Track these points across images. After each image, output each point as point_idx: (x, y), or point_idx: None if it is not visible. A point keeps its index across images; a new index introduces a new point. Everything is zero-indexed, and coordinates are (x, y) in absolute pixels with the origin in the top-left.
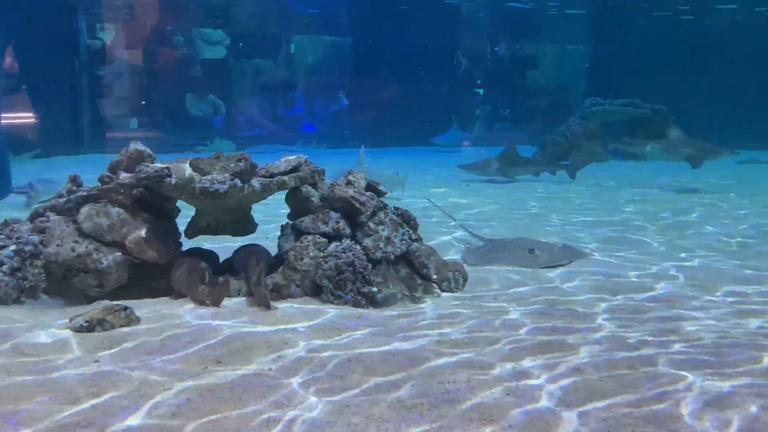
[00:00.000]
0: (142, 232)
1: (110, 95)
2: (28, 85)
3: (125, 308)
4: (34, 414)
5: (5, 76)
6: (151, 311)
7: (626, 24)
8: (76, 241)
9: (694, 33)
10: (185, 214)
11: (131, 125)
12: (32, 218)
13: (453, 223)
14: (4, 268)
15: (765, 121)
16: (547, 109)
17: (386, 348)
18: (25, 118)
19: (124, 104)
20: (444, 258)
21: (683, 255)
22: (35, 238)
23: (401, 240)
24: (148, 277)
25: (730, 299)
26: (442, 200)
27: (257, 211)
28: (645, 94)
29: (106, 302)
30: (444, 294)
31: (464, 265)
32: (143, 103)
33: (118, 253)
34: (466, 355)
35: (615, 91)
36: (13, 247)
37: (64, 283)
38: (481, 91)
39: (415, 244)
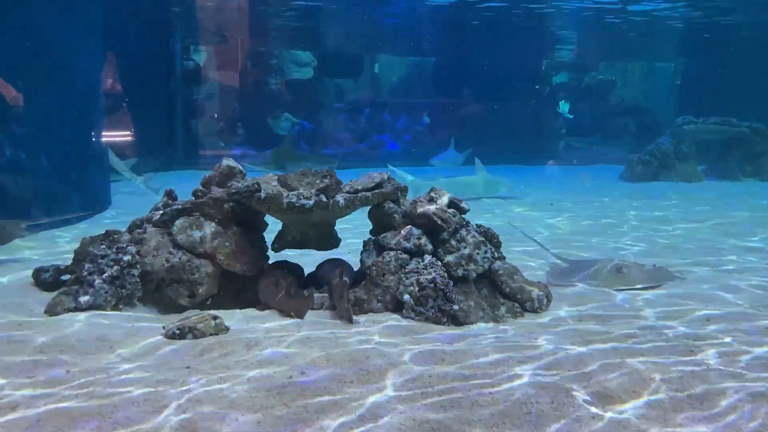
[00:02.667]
0: (232, 245)
1: (202, 114)
2: (128, 105)
3: (215, 317)
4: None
5: (106, 96)
6: (239, 321)
7: (722, 37)
8: (170, 253)
9: None
10: (272, 228)
11: (221, 144)
12: (131, 230)
13: (536, 245)
14: (105, 276)
15: None
16: (637, 128)
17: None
18: (124, 135)
19: (215, 123)
20: (528, 277)
21: None
22: (133, 248)
23: (483, 258)
24: (237, 288)
25: None
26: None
27: (341, 227)
28: (741, 111)
29: (197, 311)
30: (527, 314)
31: (549, 285)
32: (238, 125)
33: (209, 265)
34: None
35: (709, 108)
36: (113, 257)
37: (158, 293)
38: (566, 109)
39: (498, 263)
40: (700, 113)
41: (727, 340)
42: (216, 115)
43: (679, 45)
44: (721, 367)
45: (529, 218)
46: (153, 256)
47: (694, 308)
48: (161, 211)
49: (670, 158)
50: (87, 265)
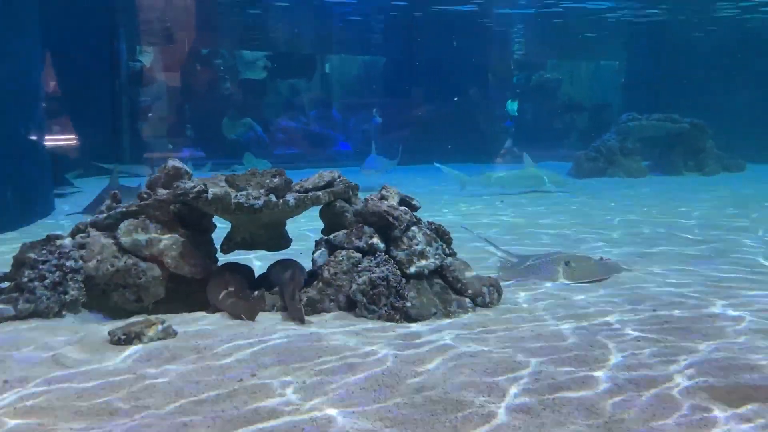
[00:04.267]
0: (180, 248)
1: (149, 116)
2: (70, 107)
3: (162, 322)
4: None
5: (48, 99)
6: (188, 325)
7: (663, 36)
8: (115, 257)
9: (728, 43)
10: (222, 229)
11: (169, 146)
12: (73, 234)
13: (485, 239)
14: (46, 282)
15: None
16: (585, 125)
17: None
18: (67, 139)
19: (162, 125)
20: (478, 272)
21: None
22: (76, 253)
23: (435, 254)
24: (186, 292)
25: None
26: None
27: (292, 226)
28: (683, 107)
29: (144, 316)
30: (478, 308)
31: (499, 280)
32: (187, 127)
33: (156, 268)
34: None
35: (653, 105)
36: (54, 262)
37: (103, 298)
38: (515, 107)
39: (450, 259)
40: (644, 110)
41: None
42: (164, 117)
43: (622, 43)
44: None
45: (479, 214)
46: (97, 260)
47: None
48: (105, 214)
49: (615, 154)
50: (27, 272)
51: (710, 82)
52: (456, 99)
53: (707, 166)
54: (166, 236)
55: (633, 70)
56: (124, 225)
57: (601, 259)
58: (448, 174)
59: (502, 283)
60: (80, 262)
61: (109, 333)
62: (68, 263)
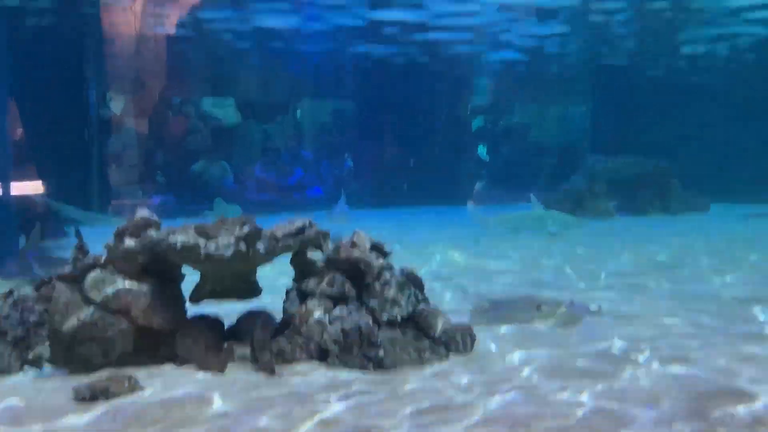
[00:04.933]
0: (148, 299)
1: (119, 163)
2: (38, 155)
3: (129, 377)
4: None
5: (15, 146)
6: (156, 379)
7: (626, 82)
8: (81, 310)
9: (690, 88)
10: (190, 279)
11: (138, 193)
12: (38, 287)
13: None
14: (8, 338)
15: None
16: (553, 168)
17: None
18: (34, 187)
19: (132, 172)
20: (450, 319)
21: None
22: (41, 306)
23: (407, 301)
24: (153, 344)
25: None
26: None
27: (262, 273)
28: (648, 150)
29: (110, 371)
30: (452, 355)
31: (472, 325)
32: (157, 173)
33: (123, 321)
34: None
35: (618, 147)
36: (17, 317)
37: (68, 353)
38: (484, 151)
39: (422, 305)
40: (610, 152)
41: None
42: (134, 164)
43: (587, 87)
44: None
45: (452, 258)
46: (62, 314)
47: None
48: (71, 267)
49: (584, 196)
50: None
51: (673, 124)
52: (425, 143)
53: (673, 206)
54: (134, 288)
55: (598, 114)
56: (90, 277)
57: (571, 302)
58: (472, 214)
59: (474, 327)
60: (45, 315)
61: (74, 390)
62: (32, 318)
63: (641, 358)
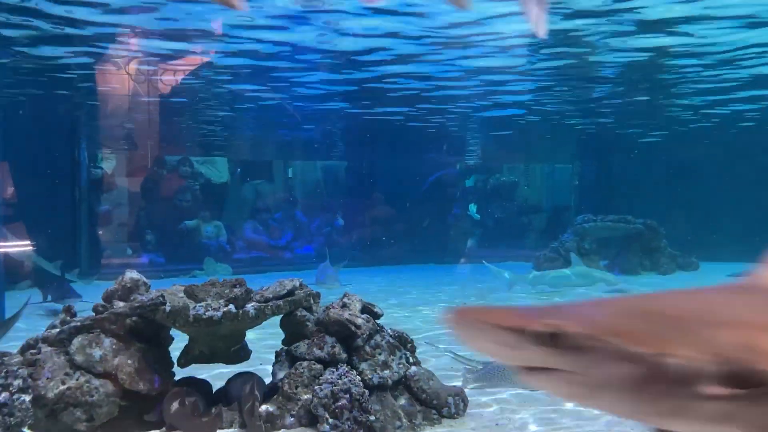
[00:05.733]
0: (135, 363)
1: (109, 223)
2: (28, 214)
3: None
4: None
5: (4, 205)
6: None
7: (615, 143)
8: (66, 374)
9: (678, 153)
10: (179, 341)
11: (128, 252)
12: (23, 350)
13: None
14: None
15: (756, 235)
16: (542, 226)
17: None
18: (22, 246)
19: (122, 231)
20: (442, 381)
21: None
22: (25, 371)
23: (398, 364)
24: (140, 409)
25: None
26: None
27: (252, 336)
28: (637, 209)
29: None
30: (444, 420)
31: (464, 388)
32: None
33: (110, 385)
34: None
35: (606, 207)
36: (1, 382)
37: (51, 418)
38: (474, 210)
39: (414, 368)
40: (599, 211)
41: None
42: (124, 223)
43: (575, 149)
44: None
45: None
46: (47, 378)
47: None
48: (58, 329)
49: (573, 254)
50: None
51: (660, 184)
52: (415, 201)
53: (663, 266)
54: (122, 351)
55: (586, 173)
56: (77, 340)
57: None
58: (496, 273)
59: (466, 390)
60: (28, 380)
61: None
62: (15, 382)
63: None
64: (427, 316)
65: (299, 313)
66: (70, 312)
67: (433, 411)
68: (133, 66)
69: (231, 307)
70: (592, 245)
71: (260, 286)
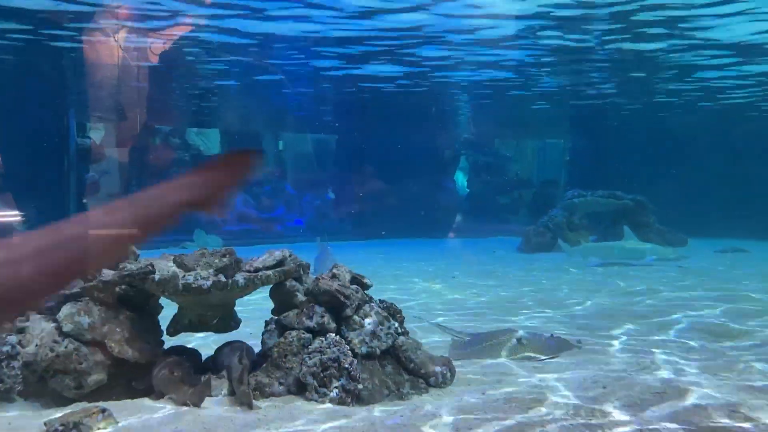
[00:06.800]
0: (124, 331)
1: (98, 193)
2: (16, 184)
3: (103, 410)
4: None
5: None
6: (131, 413)
7: (605, 118)
8: (55, 341)
9: (670, 126)
10: (169, 310)
11: None
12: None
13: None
14: None
15: (741, 210)
16: (532, 201)
17: None
18: (11, 216)
19: (112, 201)
20: (430, 352)
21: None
22: (14, 338)
23: (387, 334)
24: (129, 377)
25: None
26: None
27: (241, 305)
28: (625, 184)
29: (84, 404)
30: (431, 389)
31: (452, 359)
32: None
33: (99, 353)
34: None
35: (597, 182)
36: None
37: (41, 385)
38: (465, 184)
39: (402, 338)
40: (588, 187)
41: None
42: (113, 193)
43: (567, 123)
44: None
45: (432, 291)
46: (36, 345)
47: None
48: None
49: (563, 229)
50: None
51: (650, 160)
52: (407, 176)
53: (651, 241)
54: (111, 319)
55: (577, 149)
56: (66, 308)
57: (552, 336)
58: (563, 246)
59: (454, 362)
60: (17, 347)
61: (45, 424)
62: (4, 348)
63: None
64: (420, 288)
65: (289, 284)
66: None
67: (421, 380)
68: (122, 34)
69: (220, 276)
70: (581, 220)
71: (249, 258)
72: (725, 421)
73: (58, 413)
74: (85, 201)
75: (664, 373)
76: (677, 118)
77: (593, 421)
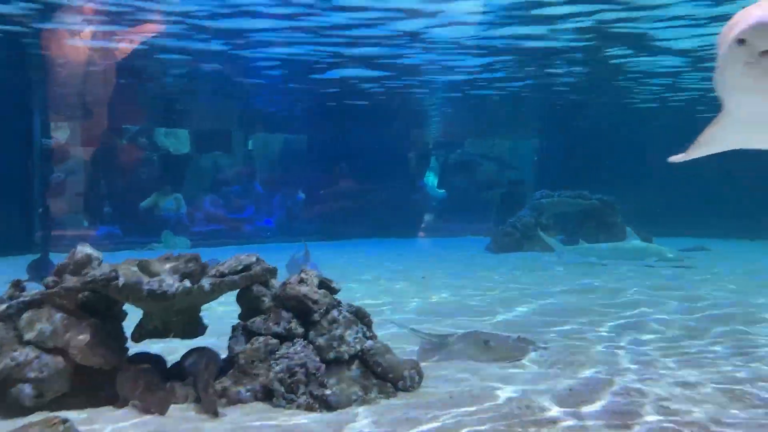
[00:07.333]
0: (87, 338)
1: (63, 193)
2: None
3: (64, 421)
4: None
5: None
6: (92, 422)
7: (573, 118)
8: (15, 350)
9: (636, 125)
10: (134, 316)
11: (84, 223)
12: None
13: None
14: None
15: (704, 209)
16: (501, 201)
17: None
18: None
19: (76, 201)
20: (399, 355)
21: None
22: None
23: (355, 338)
24: (92, 385)
25: None
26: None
27: (208, 311)
28: (594, 185)
29: (45, 413)
30: (400, 393)
31: (420, 362)
32: (104, 203)
33: (61, 361)
34: None
35: (565, 182)
36: None
37: (0, 395)
38: (436, 184)
39: (370, 342)
40: (557, 187)
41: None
42: (79, 193)
43: (535, 124)
44: None
45: (401, 292)
46: None
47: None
48: (6, 304)
49: (531, 229)
50: None
51: (617, 161)
52: (377, 175)
53: (619, 240)
54: (73, 326)
55: (545, 149)
56: (26, 315)
57: (519, 337)
58: (550, 243)
59: (423, 364)
60: None
61: None
62: None
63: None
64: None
65: (255, 289)
66: (18, 286)
67: (389, 384)
68: (88, 32)
69: (186, 281)
70: (549, 220)
71: (212, 258)
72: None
73: (18, 423)
74: (51, 202)
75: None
76: (640, 117)
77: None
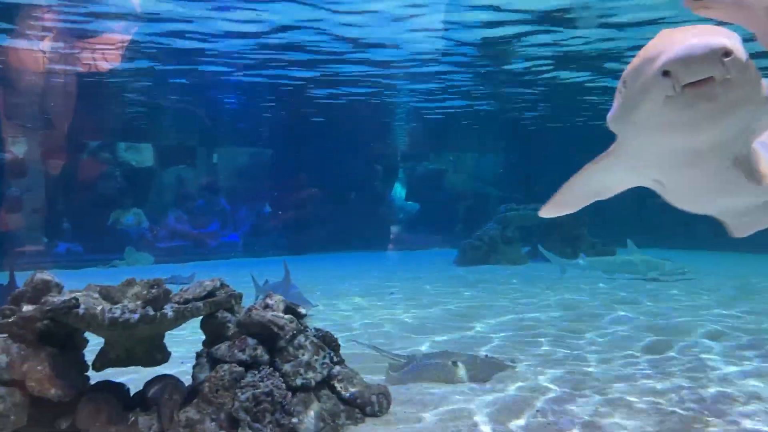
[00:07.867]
0: (46, 368)
1: (20, 209)
2: None
3: None
4: None
5: None
6: None
7: (533, 131)
8: None
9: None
10: (95, 343)
11: (43, 241)
12: None
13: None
14: None
15: (670, 220)
16: (467, 214)
17: None
18: None
19: (35, 218)
20: (366, 379)
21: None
22: None
23: (322, 364)
24: (51, 417)
25: None
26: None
27: (172, 337)
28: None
29: None
30: (368, 418)
31: (388, 385)
32: (63, 220)
33: (18, 393)
34: None
35: (527, 195)
36: None
37: None
38: (403, 196)
39: (337, 368)
40: (521, 200)
41: None
42: (37, 209)
43: (498, 138)
44: None
45: (368, 309)
46: None
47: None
48: None
49: (497, 242)
50: None
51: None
52: (342, 189)
53: (583, 253)
54: (31, 357)
55: (510, 162)
56: None
57: (486, 356)
58: (551, 258)
59: (390, 387)
60: None
61: None
62: None
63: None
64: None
65: (220, 315)
66: None
67: (357, 410)
68: (47, 42)
69: (148, 309)
70: (515, 233)
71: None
72: None
73: None
74: (8, 218)
75: None
76: (596, 133)
77: None
